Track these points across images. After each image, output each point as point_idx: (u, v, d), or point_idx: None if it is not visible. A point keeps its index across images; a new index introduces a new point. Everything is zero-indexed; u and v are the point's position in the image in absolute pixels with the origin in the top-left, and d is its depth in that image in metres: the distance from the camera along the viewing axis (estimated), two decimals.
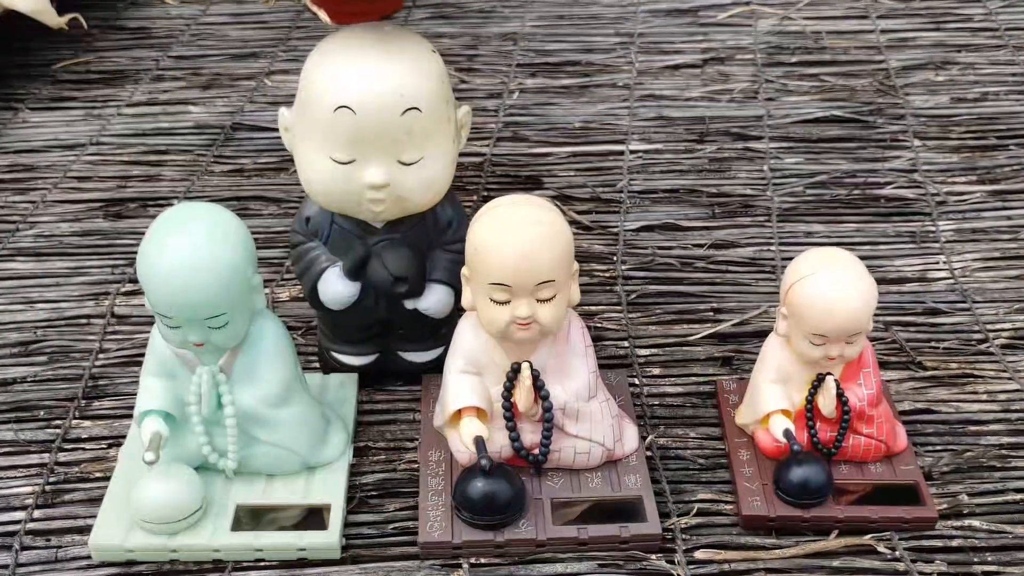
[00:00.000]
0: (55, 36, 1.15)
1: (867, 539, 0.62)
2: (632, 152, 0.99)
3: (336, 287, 0.66)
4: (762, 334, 0.77)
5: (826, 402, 0.64)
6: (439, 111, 0.61)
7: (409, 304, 0.68)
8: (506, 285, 0.59)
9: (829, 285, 0.61)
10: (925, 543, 0.62)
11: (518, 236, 0.59)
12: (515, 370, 0.62)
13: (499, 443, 0.63)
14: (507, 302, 0.60)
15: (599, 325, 0.79)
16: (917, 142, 1.00)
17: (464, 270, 0.62)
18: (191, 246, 0.56)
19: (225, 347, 0.60)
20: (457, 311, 0.67)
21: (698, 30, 1.20)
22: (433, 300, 0.67)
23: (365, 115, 0.59)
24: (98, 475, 0.66)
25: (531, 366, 0.62)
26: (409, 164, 0.61)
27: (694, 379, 0.75)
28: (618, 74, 1.11)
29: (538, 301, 0.60)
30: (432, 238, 0.67)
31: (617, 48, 1.16)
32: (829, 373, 0.64)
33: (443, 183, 0.63)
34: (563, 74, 1.12)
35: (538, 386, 0.62)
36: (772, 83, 1.09)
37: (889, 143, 1.00)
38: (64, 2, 1.10)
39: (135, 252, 0.85)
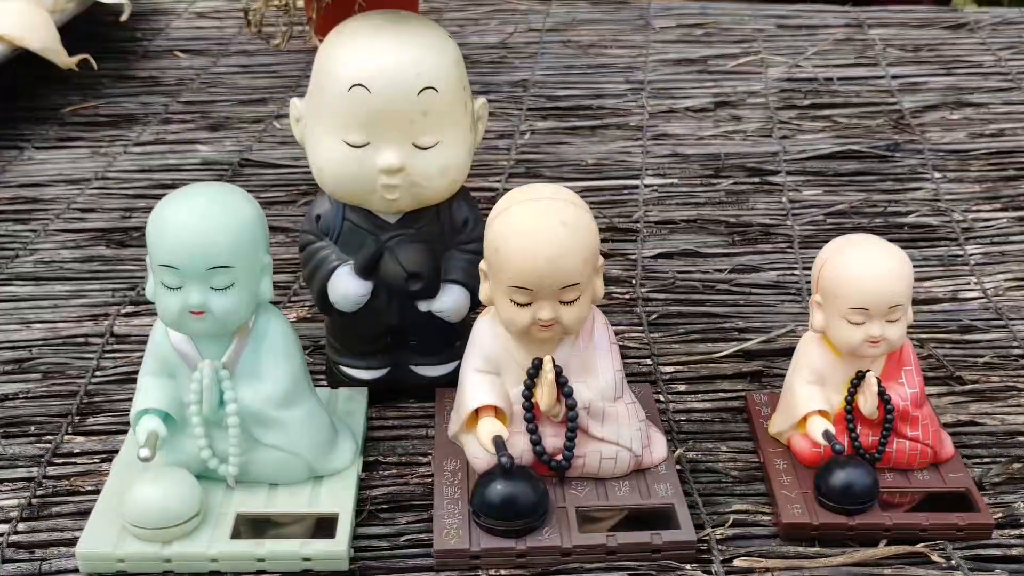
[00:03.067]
0: (65, 82, 1.15)
1: (920, 547, 0.57)
2: (647, 186, 0.98)
3: (347, 285, 0.63)
4: (790, 351, 0.73)
5: (867, 401, 0.60)
6: (456, 94, 0.59)
7: (423, 306, 0.64)
8: (528, 289, 0.56)
9: (862, 253, 0.59)
10: (981, 552, 0.57)
11: (542, 240, 0.54)
12: (536, 366, 0.59)
13: (520, 448, 0.59)
14: (528, 304, 0.56)
15: (620, 344, 0.75)
16: (937, 174, 0.98)
17: (482, 264, 0.59)
18: (205, 198, 0.54)
19: (224, 324, 0.56)
20: (472, 318, 0.64)
21: (708, 77, 1.20)
22: (449, 301, 0.64)
23: (380, 93, 0.57)
24: (88, 489, 0.62)
25: (553, 361, 0.58)
26: (425, 148, 0.59)
27: (722, 395, 0.71)
28: (629, 116, 1.11)
29: (561, 303, 0.57)
30: (447, 237, 0.64)
31: (628, 94, 1.16)
32: (869, 370, 0.60)
33: (459, 171, 0.61)
34: (574, 117, 1.11)
35: (561, 383, 0.58)
36: (786, 124, 1.08)
37: (909, 175, 0.98)
38: (76, 50, 1.10)
39: (138, 278, 0.84)
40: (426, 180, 0.60)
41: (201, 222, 0.53)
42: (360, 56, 0.58)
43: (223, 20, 1.35)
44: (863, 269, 0.58)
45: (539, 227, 0.55)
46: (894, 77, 1.18)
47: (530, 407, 0.59)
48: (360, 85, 0.57)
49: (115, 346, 0.75)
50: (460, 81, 0.60)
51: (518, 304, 0.56)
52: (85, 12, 1.16)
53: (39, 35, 1.04)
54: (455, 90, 0.59)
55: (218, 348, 0.58)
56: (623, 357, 0.74)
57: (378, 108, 0.57)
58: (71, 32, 1.12)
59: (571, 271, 0.55)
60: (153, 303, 0.56)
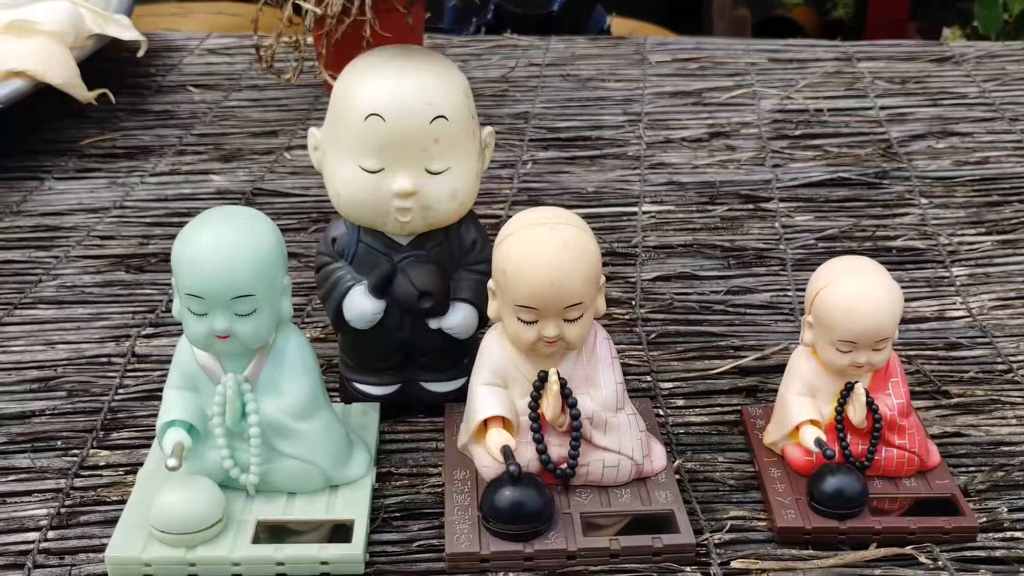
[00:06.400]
0: (83, 116, 1.19)
1: (908, 550, 0.60)
2: (645, 213, 1.01)
3: (361, 304, 0.66)
4: (783, 367, 0.76)
5: (856, 411, 0.63)
6: (465, 123, 0.63)
7: (434, 323, 0.68)
8: (534, 308, 0.59)
9: (855, 289, 0.61)
10: (967, 554, 0.60)
11: (547, 262, 0.58)
12: (542, 379, 0.62)
13: (526, 458, 0.62)
14: (534, 322, 0.60)
15: (621, 361, 0.78)
16: (924, 200, 1.02)
17: (491, 283, 0.62)
18: (228, 227, 0.58)
19: (249, 345, 0.59)
20: (480, 337, 0.67)
21: (703, 109, 1.24)
22: (458, 319, 0.68)
23: (394, 122, 0.61)
24: (115, 499, 0.65)
25: (558, 373, 0.61)
26: (436, 173, 0.63)
27: (718, 409, 0.74)
28: (627, 147, 1.15)
29: (565, 320, 0.60)
30: (456, 258, 0.68)
31: (625, 125, 1.20)
32: (857, 382, 0.63)
33: (468, 195, 0.65)
34: (574, 147, 1.15)
35: (565, 394, 0.62)
36: (779, 153, 1.12)
37: (896, 201, 1.02)
38: (94, 85, 1.14)
39: (156, 301, 0.87)
40: (437, 203, 0.63)
41: (224, 254, 0.56)
42: (376, 87, 0.61)
43: (234, 56, 1.39)
44: (855, 307, 0.61)
45: (543, 251, 0.58)
46: (882, 108, 1.22)
47: (536, 418, 0.62)
48: (376, 115, 0.61)
49: (136, 366, 0.78)
50: (469, 110, 0.64)
51: (524, 322, 0.60)
52: (103, 48, 1.21)
53: (60, 70, 1.08)
54: (464, 119, 0.63)
55: (240, 363, 0.61)
56: (624, 373, 0.77)
57: (392, 136, 0.61)
58: (89, 67, 1.16)
59: (574, 291, 0.59)
60: (177, 323, 0.60)
